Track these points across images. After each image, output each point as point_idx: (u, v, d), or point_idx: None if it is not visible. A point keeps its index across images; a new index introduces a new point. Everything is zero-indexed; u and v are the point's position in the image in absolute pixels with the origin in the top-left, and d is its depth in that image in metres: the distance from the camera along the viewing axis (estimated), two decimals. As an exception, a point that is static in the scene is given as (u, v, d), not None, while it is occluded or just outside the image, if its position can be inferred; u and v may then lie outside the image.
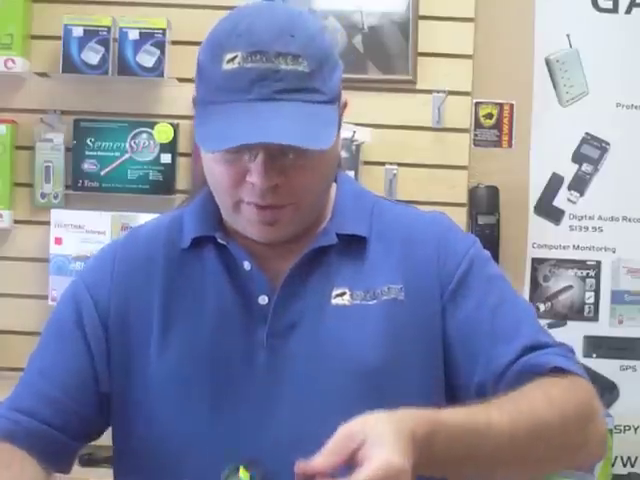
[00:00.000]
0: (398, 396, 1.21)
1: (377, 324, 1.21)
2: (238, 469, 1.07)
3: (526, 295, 2.31)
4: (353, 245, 1.23)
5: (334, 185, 1.26)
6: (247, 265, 1.21)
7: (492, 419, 1.09)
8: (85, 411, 1.23)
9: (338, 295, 1.22)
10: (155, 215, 1.35)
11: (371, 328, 1.21)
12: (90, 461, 2.02)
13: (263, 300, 1.20)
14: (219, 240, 1.22)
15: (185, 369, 1.21)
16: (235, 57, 1.11)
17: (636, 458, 2.26)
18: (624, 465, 2.25)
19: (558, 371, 1.17)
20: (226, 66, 1.12)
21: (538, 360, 1.18)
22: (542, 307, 2.32)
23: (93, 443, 1.29)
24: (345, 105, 1.21)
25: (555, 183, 2.40)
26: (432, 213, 1.31)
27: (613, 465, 2.19)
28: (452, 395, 1.26)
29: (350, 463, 1.01)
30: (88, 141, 2.39)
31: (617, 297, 2.33)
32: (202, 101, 1.15)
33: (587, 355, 2.30)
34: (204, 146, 1.14)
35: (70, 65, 2.34)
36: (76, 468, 1.79)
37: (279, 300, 1.20)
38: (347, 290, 1.22)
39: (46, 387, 1.22)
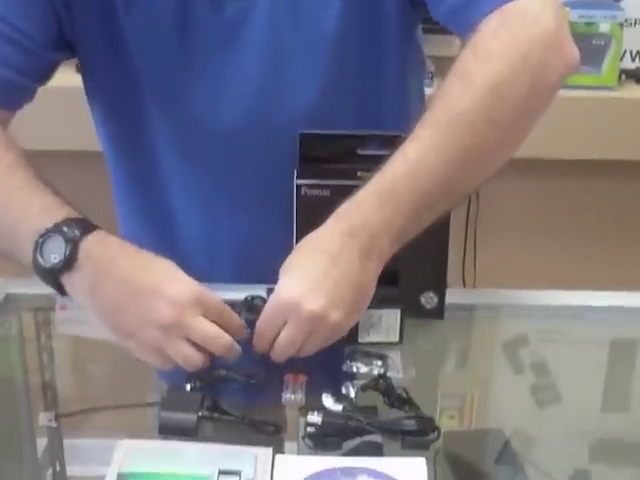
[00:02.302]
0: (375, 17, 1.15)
1: None
2: None
3: None
4: None
5: None
6: None
7: (408, 157, 1.00)
8: (45, 51, 1.16)
9: None
10: None
11: None
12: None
13: None
14: None
15: (154, 25, 1.14)
16: None
17: (645, 52, 2.22)
18: (632, 59, 2.20)
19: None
20: None
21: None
22: None
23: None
24: None
25: None
26: None
27: (621, 59, 2.14)
28: None
29: None
30: None
31: None
32: None
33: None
34: None
35: None
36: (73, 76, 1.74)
37: None
38: None
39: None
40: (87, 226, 1.02)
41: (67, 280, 1.01)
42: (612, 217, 2.30)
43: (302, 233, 1.14)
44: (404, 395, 1.02)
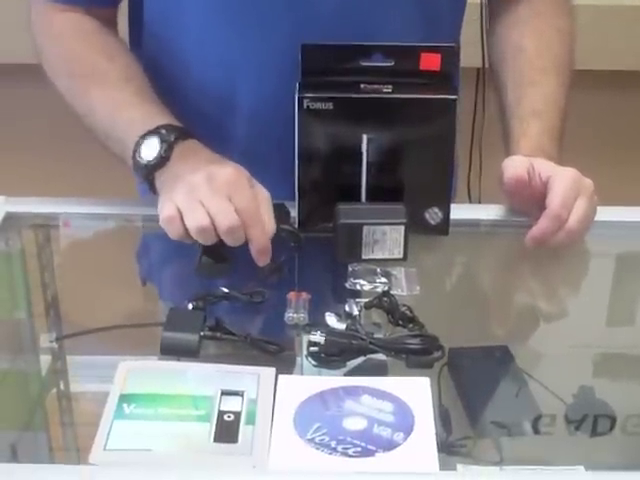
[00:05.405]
0: None
1: None
2: None
3: None
4: None
5: None
6: None
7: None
8: None
9: None
10: None
11: None
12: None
13: None
14: None
15: None
16: None
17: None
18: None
19: None
20: None
21: None
22: None
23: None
24: None
25: None
26: None
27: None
28: None
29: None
30: None
31: None
32: None
33: None
34: None
35: None
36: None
37: None
38: None
39: None
40: (183, 133, 1.12)
41: (159, 176, 1.11)
42: (620, 129, 2.27)
43: (304, 147, 1.12)
44: (408, 313, 1.02)
